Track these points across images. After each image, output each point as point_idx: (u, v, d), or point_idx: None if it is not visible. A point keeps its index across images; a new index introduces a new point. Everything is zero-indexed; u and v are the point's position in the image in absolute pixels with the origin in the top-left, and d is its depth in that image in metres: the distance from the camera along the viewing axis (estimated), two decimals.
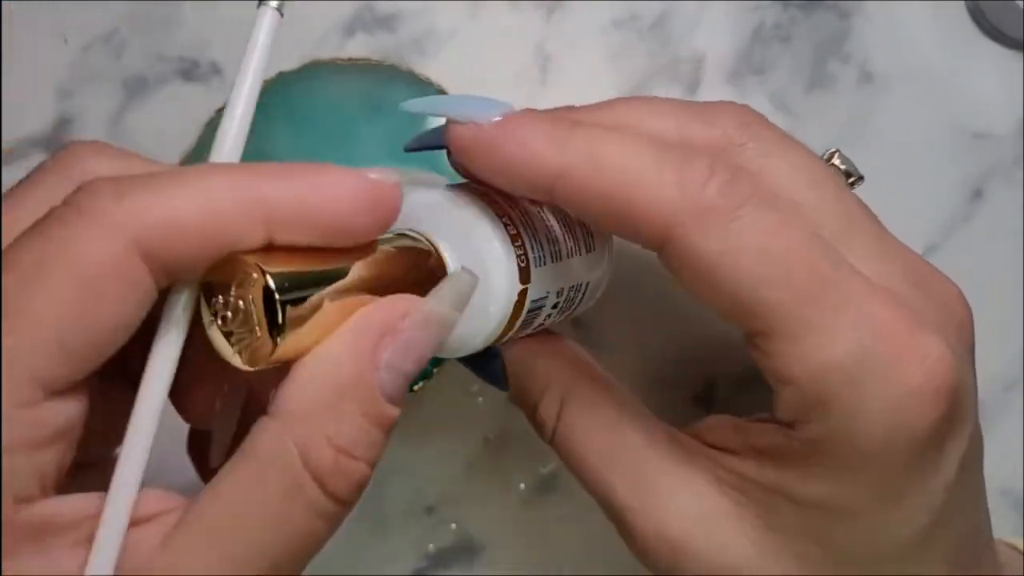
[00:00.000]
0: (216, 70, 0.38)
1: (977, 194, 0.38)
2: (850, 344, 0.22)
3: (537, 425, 0.28)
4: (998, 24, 0.38)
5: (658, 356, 0.37)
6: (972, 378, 0.25)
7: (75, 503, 0.20)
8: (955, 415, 0.23)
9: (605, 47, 0.38)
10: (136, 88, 0.39)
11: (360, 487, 0.22)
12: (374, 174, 0.22)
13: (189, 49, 0.39)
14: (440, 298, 0.22)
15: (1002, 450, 0.37)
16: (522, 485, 0.37)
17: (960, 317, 0.25)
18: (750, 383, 0.38)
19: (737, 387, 0.37)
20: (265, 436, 0.20)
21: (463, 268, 0.23)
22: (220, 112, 0.37)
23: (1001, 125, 0.38)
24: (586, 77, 0.38)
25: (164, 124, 0.37)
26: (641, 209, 0.22)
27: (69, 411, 0.20)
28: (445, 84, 0.38)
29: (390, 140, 0.37)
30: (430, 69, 0.38)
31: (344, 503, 0.21)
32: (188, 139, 0.37)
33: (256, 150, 0.37)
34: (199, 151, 0.36)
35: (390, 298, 0.22)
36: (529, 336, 0.27)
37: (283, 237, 0.20)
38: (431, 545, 0.37)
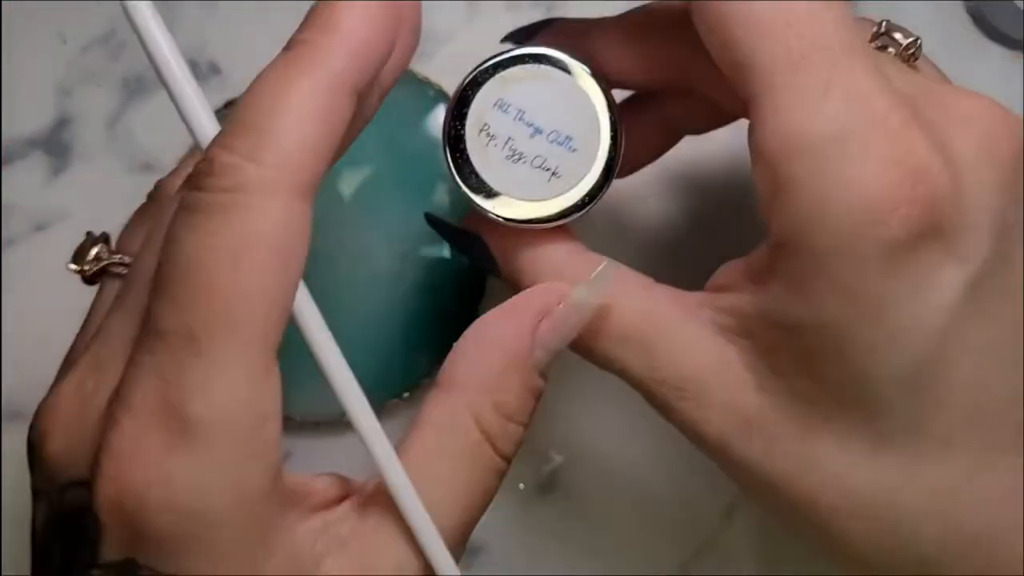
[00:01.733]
0: (215, 70, 0.38)
1: None
2: (829, 124, 0.21)
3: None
4: (998, 25, 0.38)
5: None
6: (992, 197, 0.22)
7: (291, 478, 0.22)
8: (941, 229, 0.21)
9: None
10: (135, 88, 0.39)
11: (519, 446, 0.25)
12: None
13: (188, 49, 0.39)
14: (590, 287, 0.25)
15: None
16: (522, 485, 0.37)
17: (984, 127, 0.23)
18: None
19: None
20: (441, 407, 0.24)
21: (609, 261, 0.26)
22: (219, 111, 0.37)
23: None
24: None
25: (163, 124, 0.37)
26: None
27: (279, 380, 0.21)
28: (444, 84, 0.38)
29: (389, 139, 0.37)
30: (428, 69, 0.38)
31: (509, 461, 0.24)
32: (187, 140, 0.37)
33: None
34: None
35: (548, 284, 0.25)
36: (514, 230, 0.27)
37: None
38: None
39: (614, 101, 0.26)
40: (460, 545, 0.24)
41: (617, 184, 0.27)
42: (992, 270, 0.22)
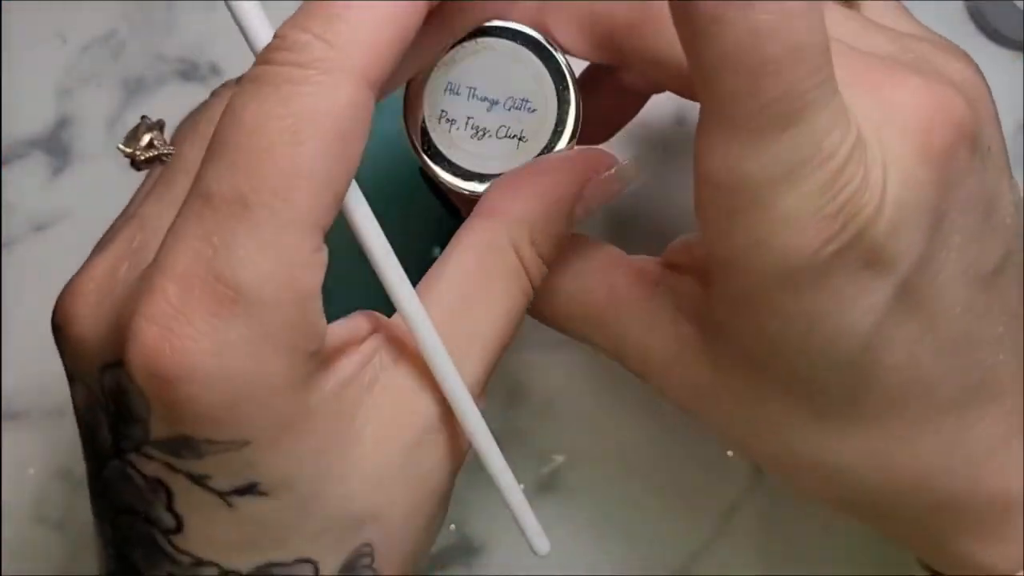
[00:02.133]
0: (215, 70, 0.38)
1: None
2: (777, 166, 0.20)
3: None
4: (998, 25, 0.38)
5: None
6: (925, 194, 0.22)
7: (335, 331, 0.22)
8: (870, 251, 0.22)
9: None
10: (135, 88, 0.39)
11: (533, 286, 0.25)
12: None
13: (188, 49, 0.39)
14: (632, 162, 0.26)
15: None
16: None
17: (921, 122, 0.22)
18: None
19: None
20: (481, 231, 0.24)
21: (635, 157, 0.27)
22: None
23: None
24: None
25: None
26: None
27: (325, 261, 0.21)
28: None
29: (388, 139, 0.37)
30: None
31: (532, 295, 0.25)
32: None
33: None
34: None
35: (601, 150, 0.26)
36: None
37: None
38: None
39: (556, 47, 0.26)
40: (492, 372, 0.25)
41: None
42: (923, 265, 0.23)
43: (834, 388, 0.24)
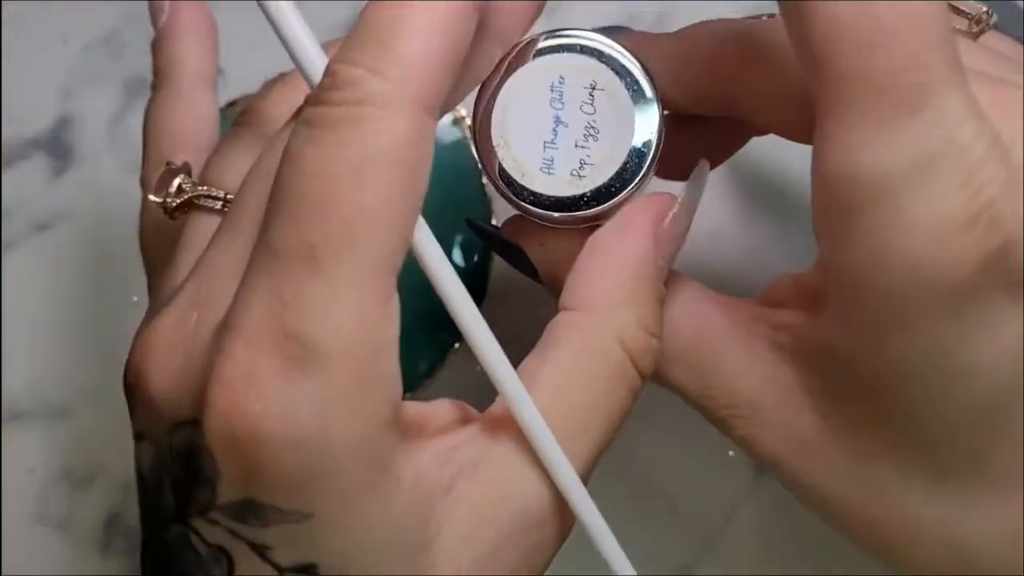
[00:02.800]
0: (217, 71, 0.38)
1: None
2: (906, 157, 0.19)
3: None
4: (998, 24, 0.38)
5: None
6: None
7: (410, 406, 0.21)
8: (1002, 273, 0.19)
9: None
10: (136, 89, 0.39)
11: (656, 361, 0.24)
12: None
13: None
14: (692, 188, 0.25)
15: None
16: None
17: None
18: None
19: None
20: (576, 329, 0.23)
21: (703, 160, 0.25)
22: (222, 112, 0.37)
23: None
24: None
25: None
26: None
27: (398, 307, 0.20)
28: None
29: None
30: None
31: (647, 378, 0.23)
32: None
33: None
34: None
35: (655, 194, 0.24)
36: (556, 233, 0.26)
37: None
38: None
39: (633, 56, 0.24)
40: (594, 467, 0.24)
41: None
42: None
43: (961, 443, 0.22)
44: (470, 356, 0.37)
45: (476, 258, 0.37)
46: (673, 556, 0.37)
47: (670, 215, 0.24)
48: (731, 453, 0.37)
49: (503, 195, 0.24)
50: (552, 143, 0.24)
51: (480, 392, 0.37)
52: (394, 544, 0.20)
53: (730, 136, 0.29)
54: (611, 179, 0.24)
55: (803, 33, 0.19)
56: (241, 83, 0.38)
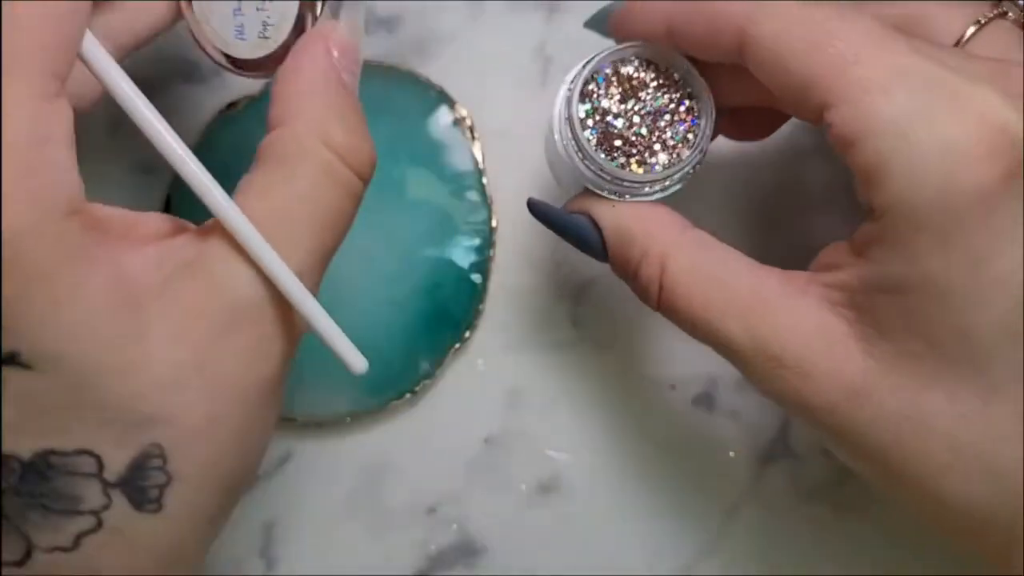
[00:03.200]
0: (217, 72, 0.38)
1: None
2: (902, 100, 0.24)
3: (641, 289, 0.29)
4: None
5: (658, 356, 0.38)
6: None
7: (106, 208, 0.23)
8: (1020, 186, 0.23)
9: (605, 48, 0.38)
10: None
11: (372, 164, 0.26)
12: None
13: (191, 50, 0.39)
14: (348, 9, 0.27)
15: None
16: (523, 486, 0.37)
17: None
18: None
19: (737, 387, 0.37)
20: (282, 140, 0.24)
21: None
22: (222, 113, 0.37)
23: None
24: None
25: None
26: (719, 10, 0.26)
27: (69, 111, 0.22)
28: (445, 85, 0.38)
29: (390, 140, 0.37)
30: (431, 70, 0.38)
31: (364, 180, 0.25)
32: (190, 141, 0.37)
33: (256, 150, 0.37)
34: (201, 153, 0.36)
35: (314, 29, 0.26)
36: (624, 203, 0.29)
37: None
38: (432, 546, 0.37)
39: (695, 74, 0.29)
40: (321, 268, 0.25)
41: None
42: None
43: (1006, 357, 0.24)
44: (470, 356, 0.37)
45: (476, 259, 0.37)
46: (673, 556, 0.37)
47: (337, 36, 0.26)
48: (731, 453, 0.37)
49: (220, 66, 0.28)
50: (239, 11, 0.27)
51: (480, 391, 0.37)
52: (96, 331, 0.21)
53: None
54: (291, 35, 0.27)
55: (782, 68, 0.25)
56: (243, 85, 0.38)
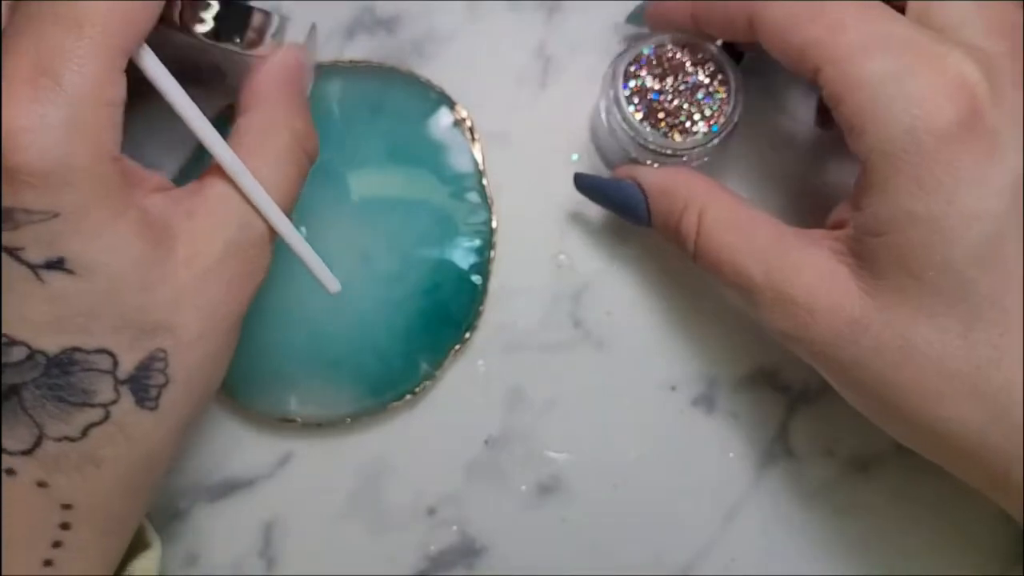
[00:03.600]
0: (217, 73, 0.38)
1: None
2: (879, 60, 0.28)
3: (680, 241, 0.33)
4: None
5: (658, 357, 0.38)
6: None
7: (134, 164, 0.28)
8: (981, 129, 0.27)
9: (606, 49, 0.38)
10: (137, 91, 0.39)
11: (317, 151, 0.32)
12: None
13: (190, 51, 0.39)
14: (308, 40, 0.33)
15: None
16: (523, 487, 0.37)
17: (1012, 43, 0.29)
18: (751, 384, 0.38)
19: (737, 388, 0.37)
20: (256, 118, 0.30)
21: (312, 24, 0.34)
22: (222, 114, 0.37)
23: None
24: (586, 79, 0.38)
25: (165, 126, 0.37)
26: None
27: (125, 89, 0.26)
28: (445, 86, 0.38)
29: (390, 141, 0.37)
30: (430, 70, 0.38)
31: (313, 160, 0.31)
32: (190, 141, 0.37)
33: None
34: (201, 153, 0.37)
35: (286, 47, 0.32)
36: (666, 168, 0.34)
37: None
38: (432, 546, 0.37)
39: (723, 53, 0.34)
40: (290, 204, 0.30)
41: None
42: None
43: (980, 285, 0.27)
44: (470, 357, 0.37)
45: (476, 260, 0.37)
46: (673, 556, 0.37)
47: (300, 52, 0.32)
48: (731, 454, 0.37)
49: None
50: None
51: (481, 392, 0.37)
52: (127, 251, 0.26)
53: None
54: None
55: (784, 39, 0.30)
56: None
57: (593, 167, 0.38)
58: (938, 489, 0.37)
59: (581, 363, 0.37)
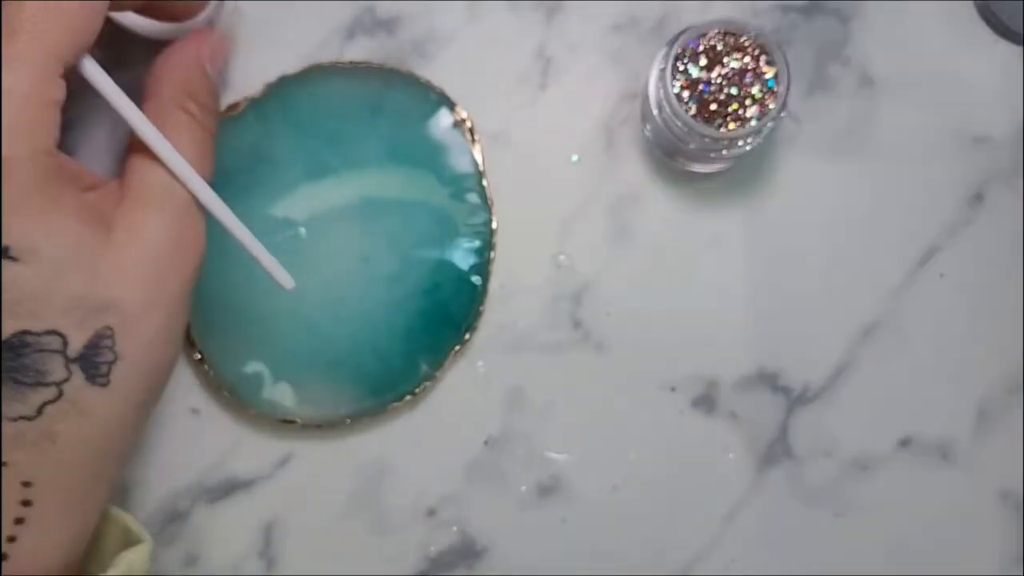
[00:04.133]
0: (217, 74, 0.38)
1: (978, 198, 0.38)
2: None
3: None
4: (1007, 22, 0.38)
5: (658, 358, 0.38)
6: None
7: (70, 159, 0.29)
8: None
9: (605, 50, 0.38)
10: (137, 91, 0.39)
11: (217, 124, 0.33)
12: None
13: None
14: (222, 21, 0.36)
15: (1003, 453, 0.37)
16: (523, 487, 0.37)
17: None
18: (751, 384, 0.38)
19: (737, 389, 0.37)
20: (152, 110, 0.31)
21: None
22: (222, 115, 0.37)
23: (1001, 128, 0.38)
24: (586, 80, 0.38)
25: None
26: None
27: (63, 91, 0.28)
28: (445, 87, 0.38)
29: (390, 142, 0.37)
30: (430, 71, 0.38)
31: (212, 133, 0.32)
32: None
33: (257, 151, 0.37)
34: None
35: (195, 31, 0.34)
36: None
37: None
38: (432, 547, 0.37)
39: None
40: (207, 175, 0.31)
41: None
42: None
43: None
44: (470, 357, 0.38)
45: (476, 261, 0.37)
46: (673, 556, 0.37)
47: (210, 36, 0.33)
48: (731, 455, 0.37)
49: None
50: None
51: (481, 393, 0.37)
52: (68, 234, 0.27)
53: None
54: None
55: None
56: (242, 87, 0.38)
57: (595, 167, 0.38)
58: (938, 489, 0.37)
59: (581, 363, 0.37)
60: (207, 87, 0.33)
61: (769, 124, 0.34)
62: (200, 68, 0.33)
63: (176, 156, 0.30)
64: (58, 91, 0.27)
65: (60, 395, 0.27)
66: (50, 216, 0.27)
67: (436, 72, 0.38)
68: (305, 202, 0.37)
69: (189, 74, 0.33)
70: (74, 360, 0.27)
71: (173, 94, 0.32)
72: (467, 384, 0.38)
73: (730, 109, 0.34)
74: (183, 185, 0.30)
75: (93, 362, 0.28)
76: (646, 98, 0.36)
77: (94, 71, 0.29)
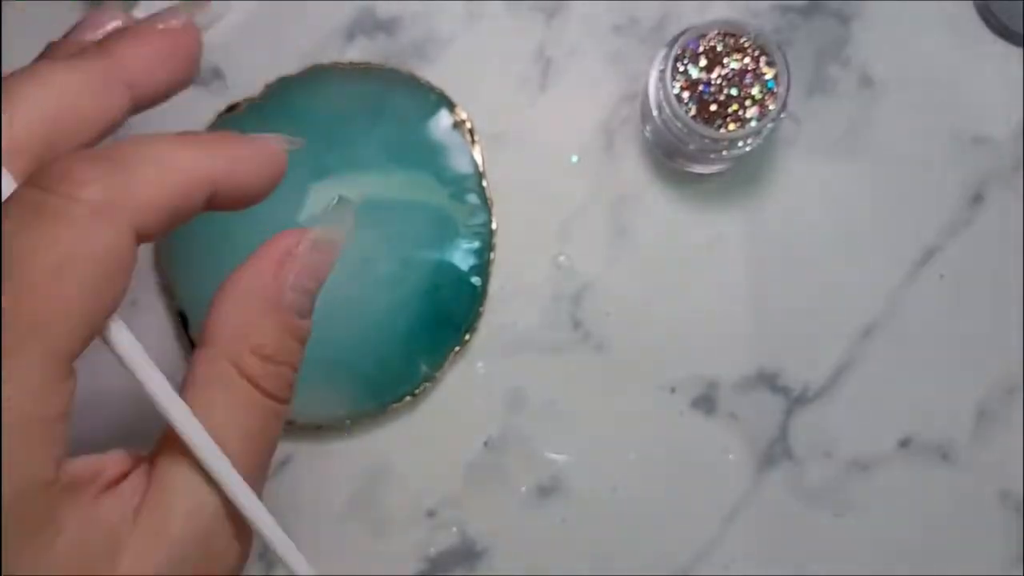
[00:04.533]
0: (218, 74, 0.38)
1: (978, 198, 0.38)
2: None
3: None
4: (1007, 22, 0.38)
5: (658, 358, 0.38)
6: None
7: (78, 463, 0.23)
8: None
9: (605, 51, 0.38)
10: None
11: (290, 385, 0.25)
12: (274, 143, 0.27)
13: None
14: (325, 223, 0.26)
15: (1003, 453, 0.37)
16: (523, 488, 0.37)
17: None
18: (750, 385, 0.38)
19: (737, 390, 0.37)
20: (205, 362, 0.24)
21: (341, 195, 0.26)
22: (221, 115, 0.37)
23: (1001, 128, 0.38)
24: (586, 81, 0.38)
25: (165, 128, 0.37)
26: None
27: (75, 386, 0.22)
28: (445, 88, 0.38)
29: (390, 143, 0.37)
30: (430, 73, 0.38)
31: (285, 402, 0.25)
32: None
33: None
34: None
35: (288, 230, 0.26)
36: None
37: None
38: (432, 548, 0.37)
39: None
40: (256, 486, 0.25)
41: None
42: None
43: None
44: (470, 358, 0.38)
45: (476, 262, 0.37)
46: (673, 556, 0.37)
47: (300, 248, 0.25)
48: (731, 456, 0.37)
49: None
50: None
51: (480, 394, 0.37)
52: (76, 562, 0.22)
53: None
54: None
55: None
56: (242, 87, 0.38)
57: (595, 167, 0.38)
58: (938, 489, 0.37)
59: (581, 364, 0.37)
60: (282, 327, 0.25)
61: (769, 125, 0.34)
62: (273, 301, 0.25)
63: (208, 444, 0.23)
64: (67, 400, 0.22)
65: None
66: (35, 562, 0.21)
67: (436, 73, 0.38)
68: (305, 203, 0.37)
69: (259, 306, 0.24)
70: None
71: (229, 348, 0.24)
72: (467, 385, 0.38)
73: (730, 110, 0.34)
74: (218, 484, 0.24)
75: None
76: (646, 99, 0.36)
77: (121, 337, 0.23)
